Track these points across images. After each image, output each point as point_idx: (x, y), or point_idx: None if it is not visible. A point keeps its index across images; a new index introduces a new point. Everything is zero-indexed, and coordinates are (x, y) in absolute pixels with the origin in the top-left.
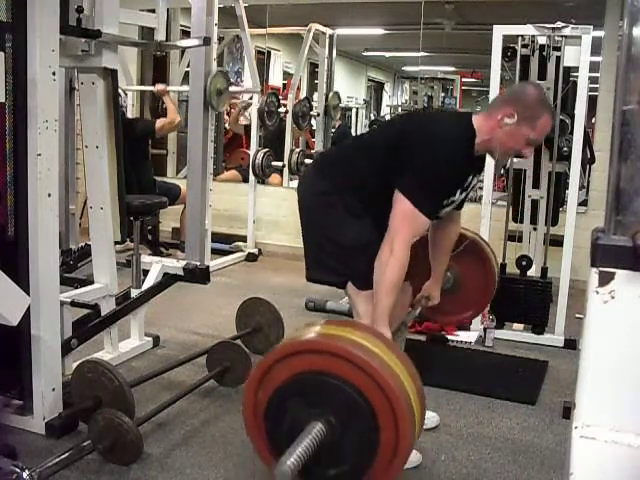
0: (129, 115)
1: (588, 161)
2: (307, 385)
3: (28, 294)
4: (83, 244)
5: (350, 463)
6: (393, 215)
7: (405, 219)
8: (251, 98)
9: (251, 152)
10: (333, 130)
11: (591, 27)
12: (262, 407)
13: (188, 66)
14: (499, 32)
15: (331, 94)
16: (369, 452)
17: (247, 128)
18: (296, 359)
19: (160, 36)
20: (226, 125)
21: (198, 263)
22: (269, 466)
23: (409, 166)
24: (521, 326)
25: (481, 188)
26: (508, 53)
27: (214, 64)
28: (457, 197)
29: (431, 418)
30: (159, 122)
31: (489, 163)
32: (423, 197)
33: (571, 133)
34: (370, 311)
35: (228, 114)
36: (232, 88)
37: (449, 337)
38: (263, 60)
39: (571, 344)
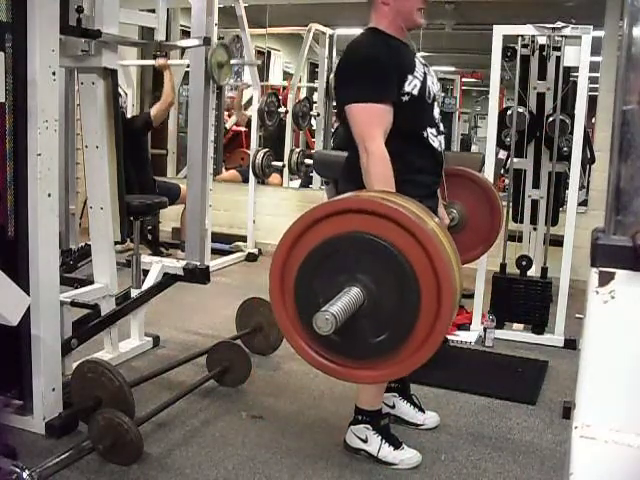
0: (129, 115)
1: (588, 161)
2: (343, 248)
3: (28, 294)
4: (83, 244)
5: (388, 331)
6: (352, 128)
7: (363, 123)
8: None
9: (251, 152)
10: (333, 130)
11: (591, 27)
12: (291, 275)
13: (188, 66)
14: (499, 32)
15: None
16: (409, 320)
17: (248, 124)
18: (332, 221)
19: (160, 36)
20: (226, 125)
21: (198, 263)
22: (296, 346)
23: (342, 83)
24: (521, 326)
25: None
26: (508, 53)
27: (214, 37)
28: (420, 83)
29: (431, 418)
30: (153, 109)
31: (489, 165)
32: (367, 89)
33: (571, 133)
34: None
35: (229, 115)
36: (233, 61)
37: (449, 337)
38: (263, 60)
39: (571, 344)
